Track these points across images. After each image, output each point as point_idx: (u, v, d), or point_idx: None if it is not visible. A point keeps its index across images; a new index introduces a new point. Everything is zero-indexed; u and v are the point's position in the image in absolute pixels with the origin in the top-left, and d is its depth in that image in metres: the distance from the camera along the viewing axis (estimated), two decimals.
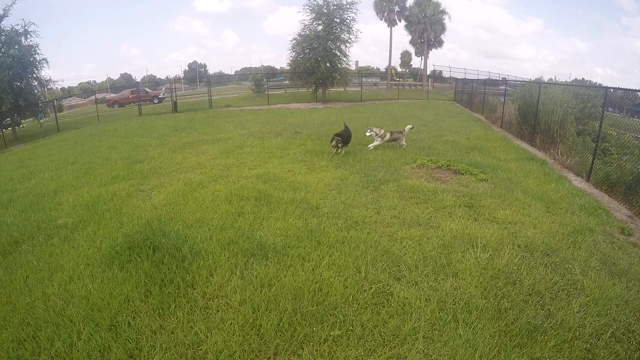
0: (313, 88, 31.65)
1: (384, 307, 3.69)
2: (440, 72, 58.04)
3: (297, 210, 6.07)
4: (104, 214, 6.39)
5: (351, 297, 3.79)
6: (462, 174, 8.22)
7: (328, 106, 27.09)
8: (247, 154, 10.36)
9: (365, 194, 6.92)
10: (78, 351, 3.22)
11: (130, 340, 3.32)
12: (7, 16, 25.09)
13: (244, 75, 73.48)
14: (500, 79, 38.29)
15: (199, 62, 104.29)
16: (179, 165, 9.64)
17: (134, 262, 4.45)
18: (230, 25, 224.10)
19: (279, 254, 4.61)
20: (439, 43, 52.36)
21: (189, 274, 4.23)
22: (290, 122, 17.71)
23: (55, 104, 32.50)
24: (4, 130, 25.80)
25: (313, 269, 4.28)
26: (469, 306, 3.68)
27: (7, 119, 26.17)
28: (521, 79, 37.40)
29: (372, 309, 3.64)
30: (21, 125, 28.61)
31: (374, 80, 56.60)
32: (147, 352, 3.18)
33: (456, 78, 42.46)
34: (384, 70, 59.11)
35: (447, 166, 8.68)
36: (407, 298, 3.78)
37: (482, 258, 4.57)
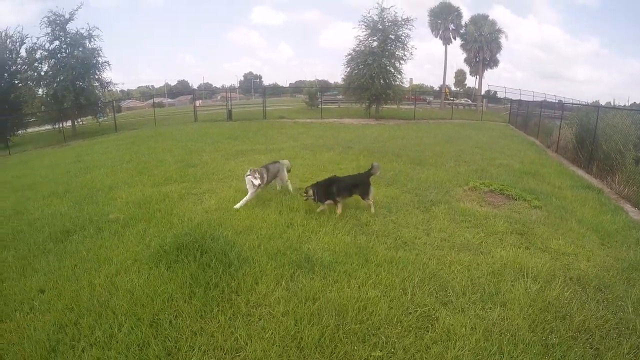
0: (367, 104, 31.67)
1: (428, 331, 3.57)
2: (495, 92, 56.75)
3: (347, 226, 6.02)
4: (155, 213, 6.59)
5: (395, 319, 3.69)
6: (515, 199, 7.93)
7: (381, 123, 27.05)
8: (298, 166, 10.38)
9: (415, 214, 6.77)
10: (117, 342, 3.31)
11: (170, 339, 3.37)
12: (72, 20, 26.85)
13: (298, 87, 74.82)
14: (557, 101, 36.98)
15: (254, 73, 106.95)
16: (231, 172, 9.82)
17: (181, 263, 4.53)
18: (286, 38, 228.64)
19: (325, 268, 4.58)
20: (494, 62, 51.55)
21: (234, 280, 4.26)
22: (343, 137, 17.78)
23: (114, 104, 34.12)
24: (64, 125, 27.38)
25: (359, 287, 4.21)
26: (515, 338, 3.51)
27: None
28: (578, 102, 36.09)
29: (415, 333, 3.53)
30: (81, 122, 30.09)
31: (428, 98, 56.27)
32: (186, 352, 3.22)
33: (511, 99, 41.43)
34: (438, 88, 58.52)
35: (499, 190, 8.39)
36: (452, 324, 3.64)
37: (532, 289, 4.36)
